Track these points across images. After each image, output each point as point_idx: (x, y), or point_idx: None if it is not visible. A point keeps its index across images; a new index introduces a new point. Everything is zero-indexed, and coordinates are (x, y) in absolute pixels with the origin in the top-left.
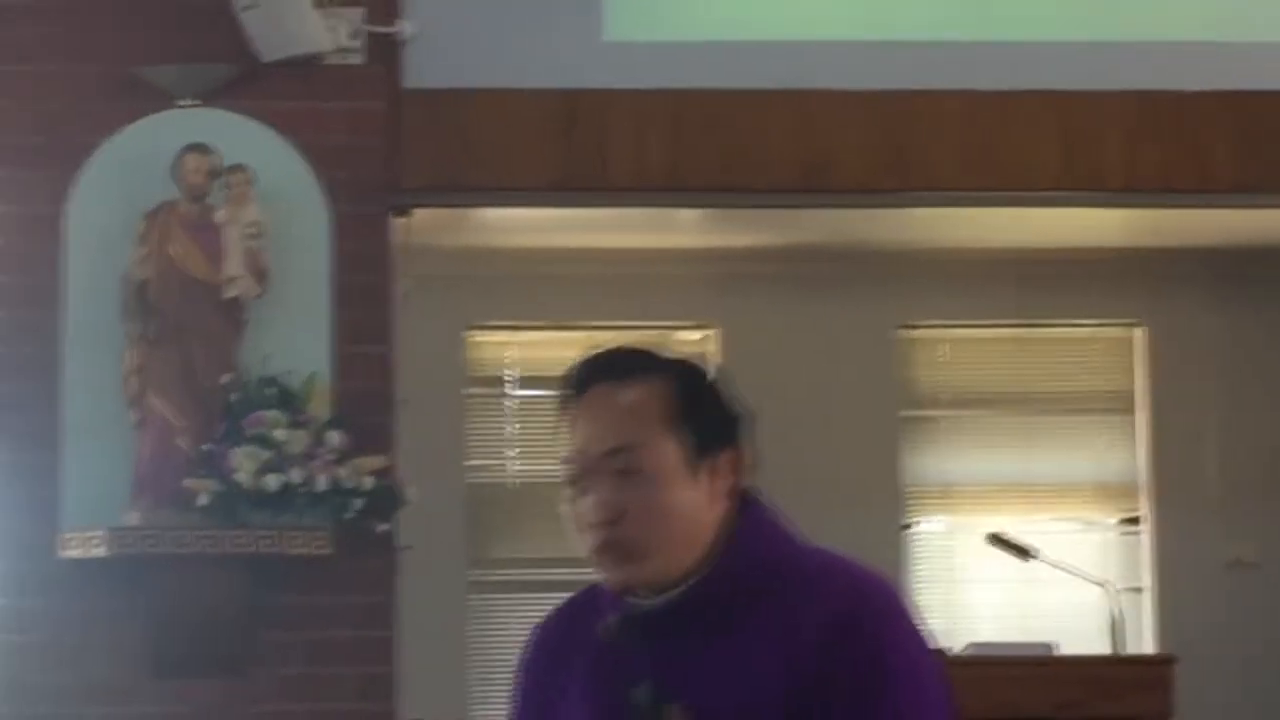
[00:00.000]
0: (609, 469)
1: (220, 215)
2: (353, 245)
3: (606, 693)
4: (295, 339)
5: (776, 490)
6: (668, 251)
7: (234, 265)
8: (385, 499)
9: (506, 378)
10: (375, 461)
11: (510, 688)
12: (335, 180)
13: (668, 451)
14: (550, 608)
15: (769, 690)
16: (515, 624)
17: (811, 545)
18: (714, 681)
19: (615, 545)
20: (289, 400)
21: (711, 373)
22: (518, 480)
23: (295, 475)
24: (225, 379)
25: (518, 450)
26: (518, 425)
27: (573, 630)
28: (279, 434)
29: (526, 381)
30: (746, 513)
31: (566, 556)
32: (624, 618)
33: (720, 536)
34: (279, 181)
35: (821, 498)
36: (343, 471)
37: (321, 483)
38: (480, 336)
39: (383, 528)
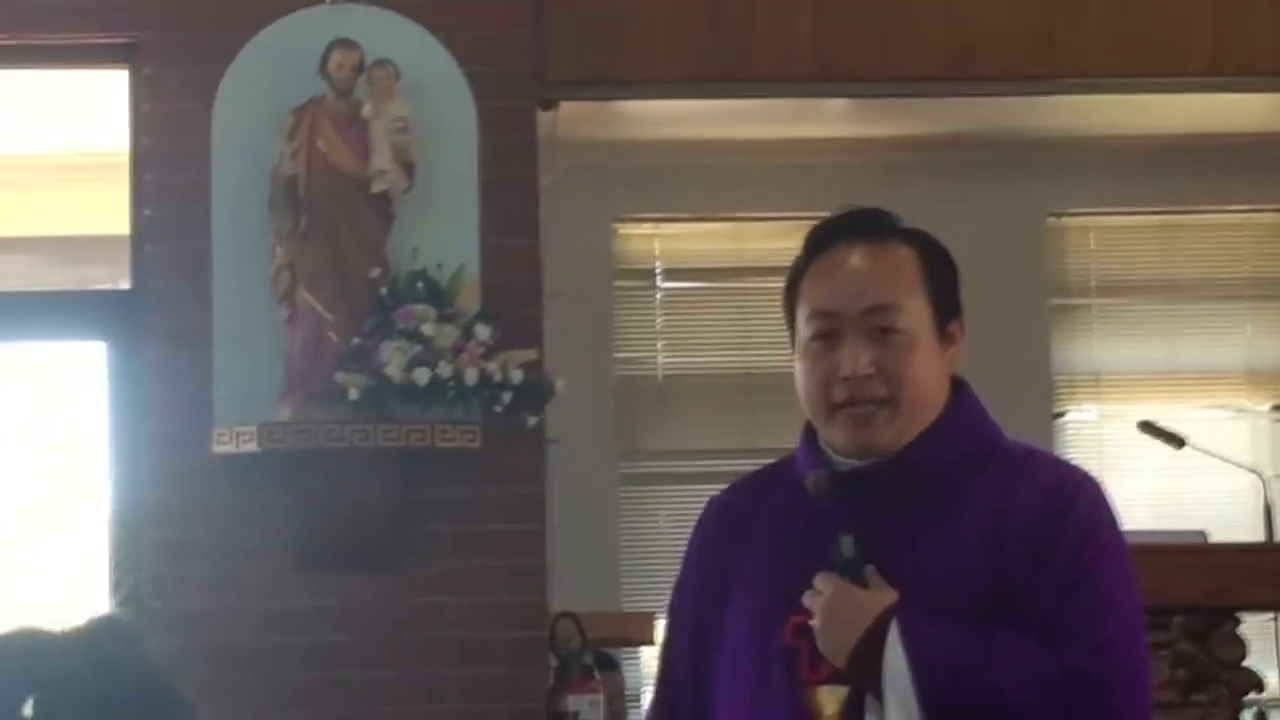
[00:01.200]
0: (866, 325)
1: (367, 110)
2: (499, 139)
3: (800, 547)
4: (443, 233)
5: None
6: (813, 141)
7: (381, 159)
8: (534, 392)
9: (654, 269)
10: (524, 355)
11: (684, 562)
12: (481, 74)
13: (922, 314)
14: (699, 497)
15: (972, 569)
16: (664, 516)
17: (1015, 438)
18: (917, 554)
19: (865, 402)
20: (437, 294)
21: (935, 237)
22: (666, 372)
23: (444, 369)
24: (374, 273)
25: (665, 342)
26: (665, 317)
27: (755, 506)
28: (428, 328)
29: (673, 273)
30: (960, 392)
31: (715, 448)
32: (834, 473)
33: (940, 410)
34: (425, 76)
35: (973, 383)
36: (491, 365)
37: (470, 376)
38: (627, 229)
39: (532, 421)
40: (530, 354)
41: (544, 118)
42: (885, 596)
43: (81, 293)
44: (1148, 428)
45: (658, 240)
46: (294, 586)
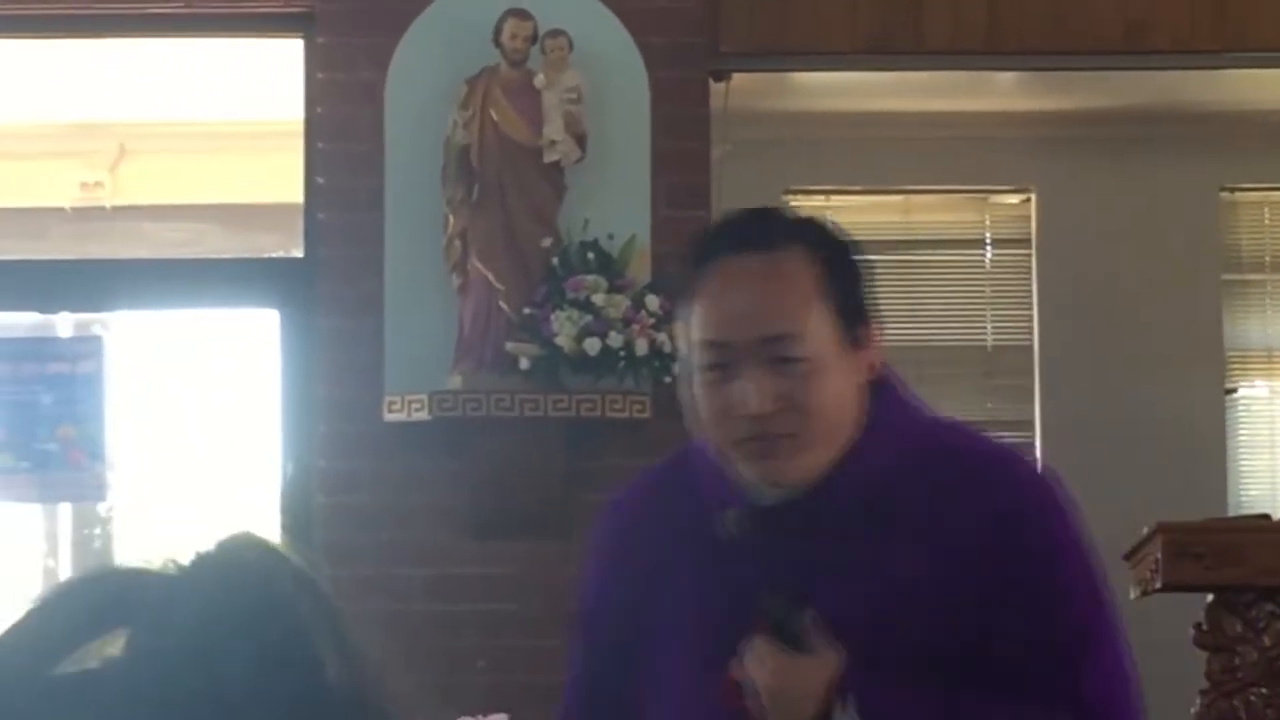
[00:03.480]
0: (765, 355)
1: (540, 80)
2: (671, 110)
3: (725, 594)
4: (614, 203)
5: (1097, 355)
6: (985, 114)
7: (554, 129)
8: None
9: None
10: None
11: (591, 567)
12: (654, 45)
13: (826, 331)
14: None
15: (918, 598)
16: None
17: (948, 421)
18: (858, 590)
19: (769, 438)
20: (608, 264)
21: (835, 225)
22: None
23: (615, 339)
24: (545, 243)
25: None
26: None
27: (666, 512)
28: (598, 298)
29: None
30: (880, 393)
31: None
32: (749, 510)
33: (858, 422)
34: (598, 46)
35: (1143, 363)
36: (661, 335)
37: (641, 346)
38: (797, 201)
39: None
40: None
41: (716, 89)
42: (829, 664)
43: (254, 260)
44: None
45: (828, 213)
46: (462, 554)
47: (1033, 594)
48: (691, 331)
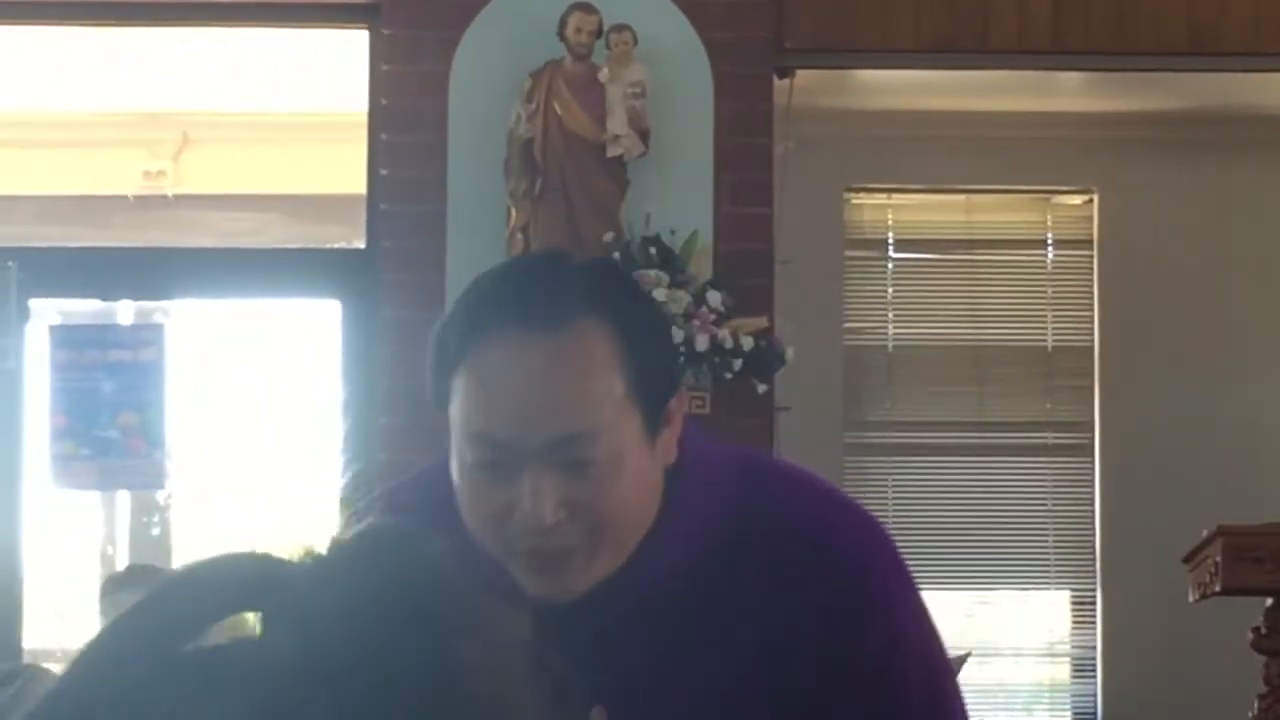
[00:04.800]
0: (552, 458)
1: (604, 75)
2: (735, 106)
3: None
4: (677, 199)
5: (1158, 357)
6: (1049, 115)
7: (617, 124)
8: (765, 359)
9: (886, 240)
10: (755, 322)
11: None
12: (718, 41)
13: (628, 421)
14: (927, 469)
15: (735, 696)
16: (891, 487)
17: (761, 476)
18: (658, 692)
19: (553, 553)
20: (670, 260)
21: (630, 278)
22: (895, 343)
23: (676, 335)
24: (608, 237)
25: (895, 313)
26: (896, 288)
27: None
28: (660, 293)
29: (904, 244)
30: (678, 472)
31: (943, 419)
32: (538, 611)
33: (655, 510)
34: (662, 41)
35: (1205, 365)
36: (723, 331)
37: (702, 342)
38: (859, 199)
39: (762, 388)
40: (761, 321)
41: (780, 85)
42: None
43: (317, 251)
44: None
45: (890, 211)
46: None
47: (869, 690)
48: (456, 412)
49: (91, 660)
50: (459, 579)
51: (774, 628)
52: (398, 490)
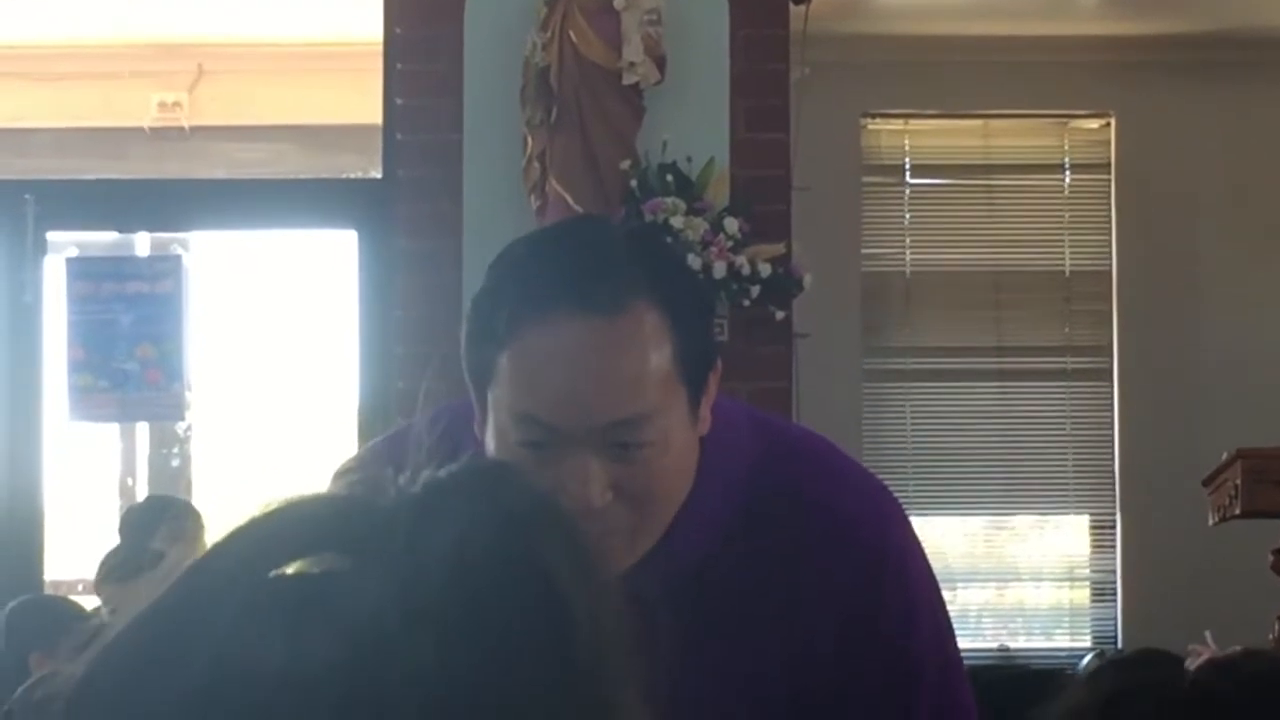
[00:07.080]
0: (602, 441)
1: (619, 2)
2: (750, 32)
3: None
4: (693, 126)
5: (1175, 281)
6: (1066, 39)
7: (633, 51)
8: (783, 286)
9: (903, 165)
10: (772, 249)
11: None
12: None
13: (678, 401)
14: (945, 395)
15: (756, 673)
16: (910, 413)
17: (785, 451)
18: (680, 669)
19: (598, 534)
20: (687, 187)
21: (672, 247)
22: (913, 269)
23: (693, 261)
24: (624, 165)
25: (913, 239)
26: (913, 214)
27: None
28: (677, 220)
29: (922, 170)
30: (711, 443)
31: (961, 345)
32: None
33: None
34: None
35: (1229, 287)
36: (740, 258)
37: (719, 269)
38: (876, 124)
39: (780, 315)
40: (779, 248)
41: (795, 11)
42: None
43: (332, 181)
44: None
45: (907, 136)
46: None
47: (880, 675)
48: (502, 390)
49: (190, 582)
50: (568, 518)
51: (793, 604)
52: (460, 409)
